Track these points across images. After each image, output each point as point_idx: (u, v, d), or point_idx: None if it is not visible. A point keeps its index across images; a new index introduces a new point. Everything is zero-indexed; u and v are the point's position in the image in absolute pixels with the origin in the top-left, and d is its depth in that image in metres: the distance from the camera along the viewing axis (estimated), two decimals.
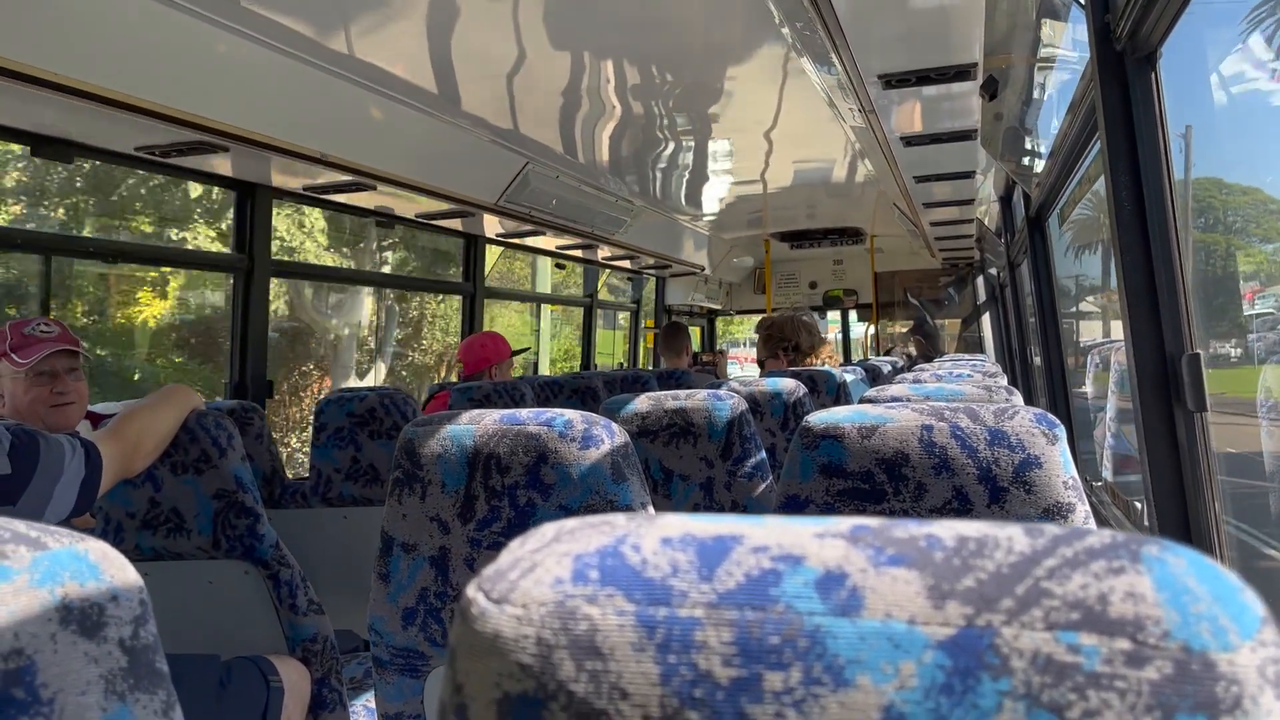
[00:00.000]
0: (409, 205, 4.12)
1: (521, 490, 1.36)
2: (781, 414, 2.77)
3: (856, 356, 9.34)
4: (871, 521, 0.44)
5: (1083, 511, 1.18)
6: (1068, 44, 2.62)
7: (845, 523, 0.44)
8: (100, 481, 1.80)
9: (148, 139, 2.79)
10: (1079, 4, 1.95)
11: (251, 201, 3.44)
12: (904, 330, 9.07)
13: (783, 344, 4.36)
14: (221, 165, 3.17)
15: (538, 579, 0.43)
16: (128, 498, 2.06)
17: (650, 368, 7.07)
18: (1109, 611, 0.38)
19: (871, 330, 9.07)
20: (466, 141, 3.76)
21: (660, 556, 0.43)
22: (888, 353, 8.37)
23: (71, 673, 0.55)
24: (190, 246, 8.99)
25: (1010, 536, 0.42)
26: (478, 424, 1.39)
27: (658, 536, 0.44)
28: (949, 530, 0.42)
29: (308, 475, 2.93)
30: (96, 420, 2.47)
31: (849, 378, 4.29)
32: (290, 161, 3.10)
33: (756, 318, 7.96)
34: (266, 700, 1.98)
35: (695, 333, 9.07)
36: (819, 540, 0.43)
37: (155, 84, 2.47)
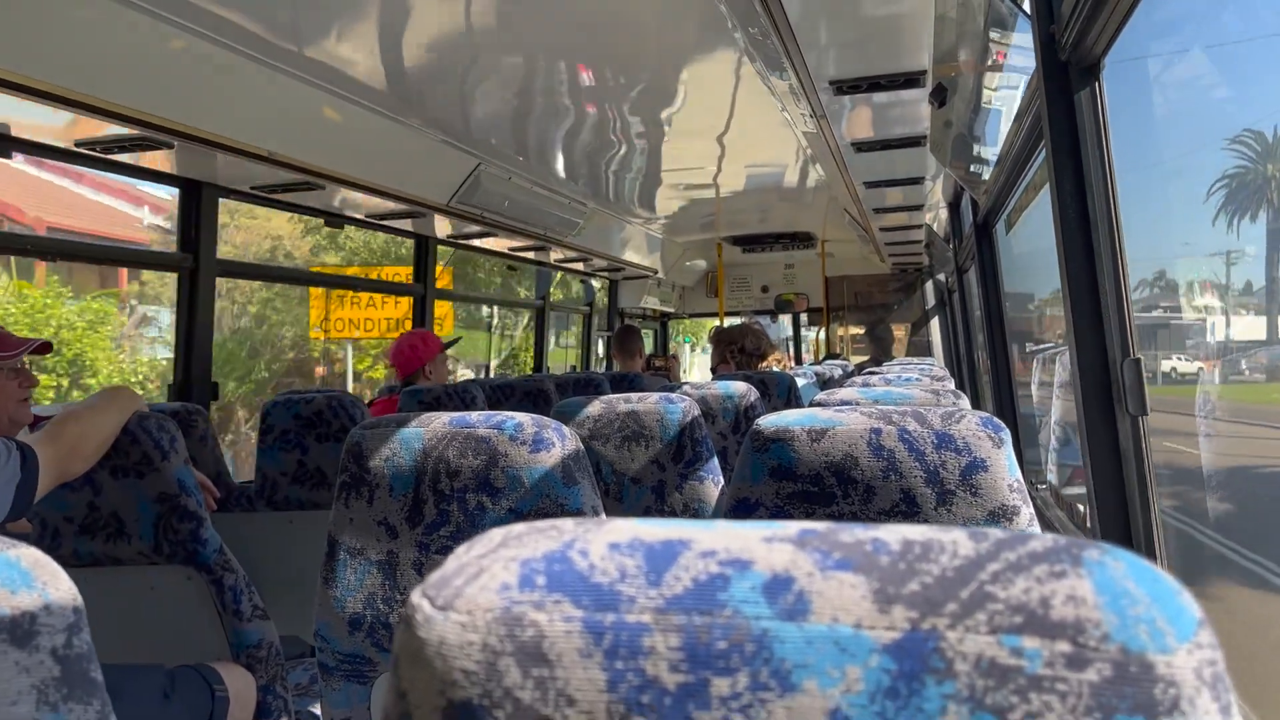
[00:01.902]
0: (359, 205, 4.08)
1: (471, 494, 1.35)
2: (733, 417, 2.78)
3: (809, 360, 9.42)
4: (819, 526, 0.44)
5: (1027, 514, 1.20)
6: (1015, 53, 2.66)
7: (793, 527, 0.44)
8: (37, 485, 1.75)
9: (88, 133, 2.72)
10: (1025, 14, 1.99)
11: (197, 199, 3.38)
12: (854, 334, 9.18)
13: (730, 347, 4.48)
14: (165, 162, 3.11)
15: (483, 585, 0.43)
16: (65, 502, 2.01)
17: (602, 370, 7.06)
18: (1051, 615, 0.38)
19: (822, 334, 9.15)
20: (418, 142, 3.73)
21: (608, 561, 0.43)
22: (834, 356, 8.45)
23: (2, 682, 0.53)
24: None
25: (955, 540, 0.42)
26: (426, 427, 1.38)
27: (605, 541, 0.44)
28: (895, 534, 0.43)
29: (253, 479, 2.89)
30: (35, 421, 2.41)
31: (800, 381, 4.33)
32: (238, 159, 3.05)
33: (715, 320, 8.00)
34: (211, 710, 1.94)
35: (648, 335, 9.07)
36: (767, 545, 0.43)
37: (96, 78, 2.42)
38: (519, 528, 0.47)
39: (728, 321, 7.78)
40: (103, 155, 2.89)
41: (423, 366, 3.91)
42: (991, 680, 0.38)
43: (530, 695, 0.40)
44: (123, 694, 1.81)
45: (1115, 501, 1.71)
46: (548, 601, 0.42)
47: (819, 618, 0.40)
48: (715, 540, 0.43)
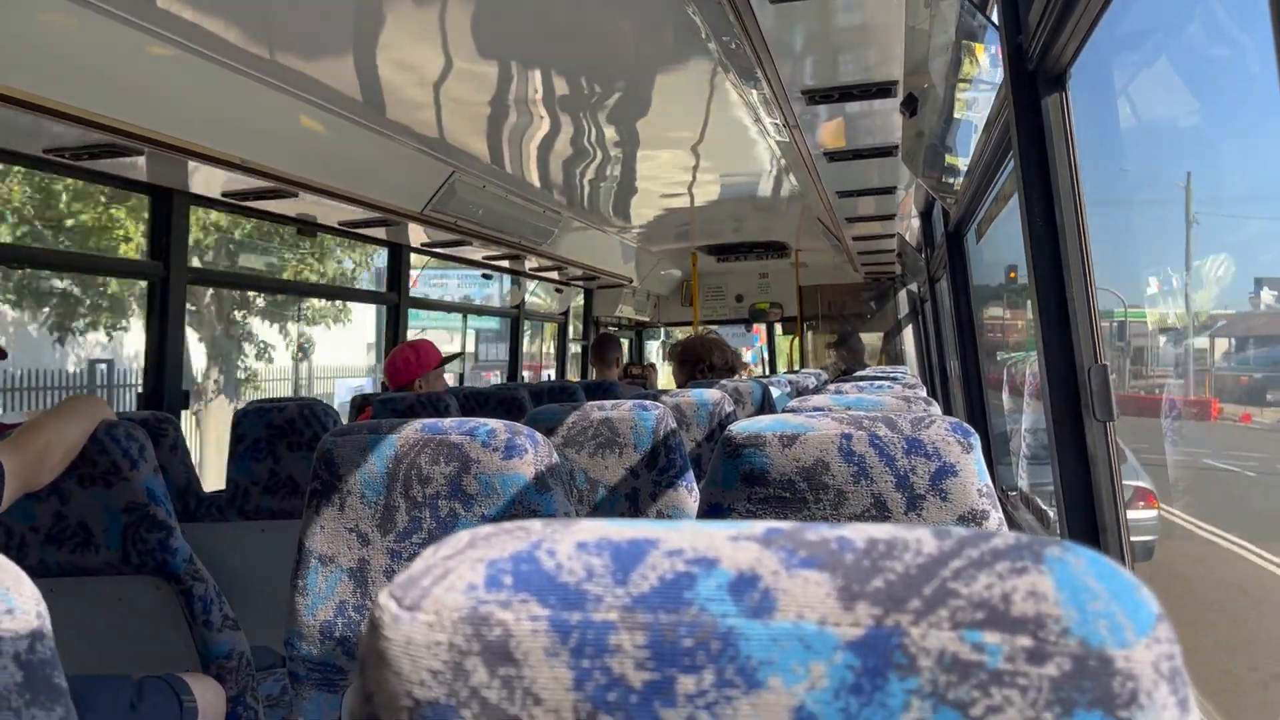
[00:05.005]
0: (332, 213, 4.05)
1: (443, 500, 1.34)
2: (707, 425, 2.79)
3: (782, 369, 9.45)
4: (785, 525, 0.45)
5: (996, 518, 1.21)
6: (984, 64, 2.70)
7: (759, 526, 0.44)
8: (2, 495, 1.73)
9: (56, 141, 2.69)
10: (994, 25, 2.01)
11: (168, 207, 3.35)
12: (829, 343, 9.22)
13: (698, 366, 4.42)
14: (136, 169, 3.08)
15: (450, 585, 0.43)
16: (31, 511, 1.98)
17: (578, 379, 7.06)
18: (1012, 610, 0.39)
19: (796, 344, 9.20)
20: (392, 150, 3.72)
21: (575, 561, 0.43)
22: (824, 367, 8.49)
23: None
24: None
25: (919, 538, 0.42)
26: (398, 433, 1.37)
27: (573, 541, 0.44)
28: (860, 533, 0.43)
29: (224, 488, 2.86)
30: (0, 430, 2.38)
31: (775, 391, 4.34)
32: (209, 167, 3.02)
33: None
34: None
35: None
36: (733, 543, 0.43)
37: (64, 84, 2.39)
38: (487, 529, 0.47)
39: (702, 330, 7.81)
40: (71, 162, 2.86)
41: (414, 380, 3.66)
42: (954, 675, 0.38)
43: (497, 694, 0.40)
44: (89, 706, 1.78)
45: (1083, 505, 1.73)
46: (514, 601, 0.42)
47: (784, 615, 0.40)
48: (682, 539, 0.43)
